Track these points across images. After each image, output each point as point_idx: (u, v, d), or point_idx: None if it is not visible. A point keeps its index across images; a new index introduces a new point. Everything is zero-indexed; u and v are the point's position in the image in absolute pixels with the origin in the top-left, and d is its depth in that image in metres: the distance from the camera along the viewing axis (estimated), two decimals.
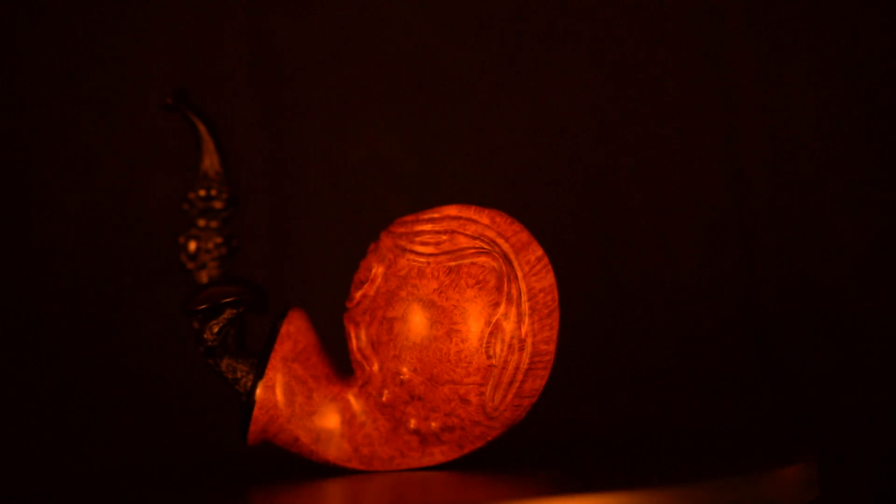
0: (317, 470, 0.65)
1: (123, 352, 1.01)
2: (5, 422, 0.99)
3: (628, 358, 1.04)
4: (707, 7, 1.05)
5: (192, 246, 0.71)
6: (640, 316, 1.04)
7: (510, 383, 0.63)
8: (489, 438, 0.64)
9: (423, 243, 0.64)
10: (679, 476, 0.57)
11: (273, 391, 0.64)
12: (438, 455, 0.64)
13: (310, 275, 1.04)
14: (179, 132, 1.03)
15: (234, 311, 0.65)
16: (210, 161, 0.73)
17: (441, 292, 0.63)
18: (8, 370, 1.00)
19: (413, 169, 1.05)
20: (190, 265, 0.71)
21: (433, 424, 0.63)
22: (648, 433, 0.86)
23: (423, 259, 0.64)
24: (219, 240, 0.69)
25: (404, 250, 0.64)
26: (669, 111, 1.06)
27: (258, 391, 0.64)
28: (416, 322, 0.63)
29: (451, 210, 0.64)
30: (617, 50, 1.06)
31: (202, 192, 0.72)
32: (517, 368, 0.63)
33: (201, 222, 0.72)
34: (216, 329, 0.64)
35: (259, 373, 0.64)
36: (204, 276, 0.71)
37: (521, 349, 0.64)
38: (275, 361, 0.64)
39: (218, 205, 0.73)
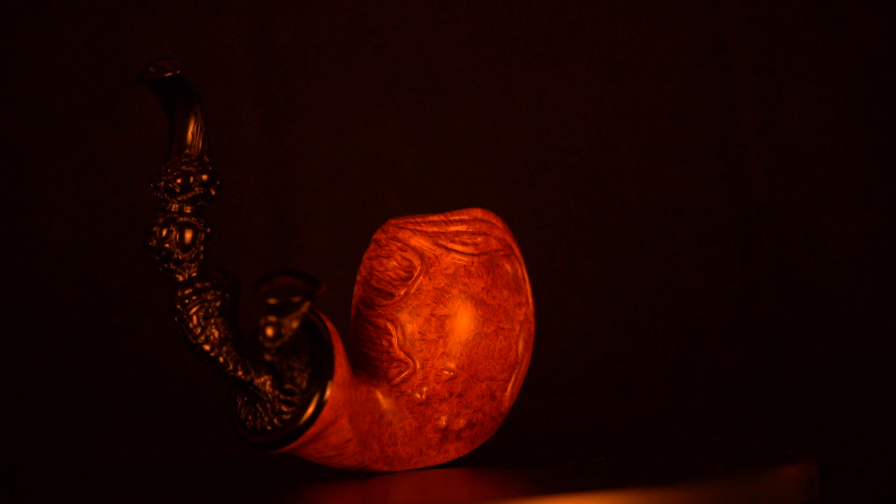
0: (316, 471, 0.65)
1: (123, 352, 1.01)
2: (5, 422, 0.99)
3: (628, 358, 1.04)
4: (707, 7, 1.05)
5: (189, 235, 0.62)
6: (640, 316, 1.04)
7: (520, 381, 0.66)
8: (492, 434, 0.65)
9: (463, 243, 0.65)
10: (679, 476, 0.57)
11: (343, 390, 0.60)
12: (452, 452, 0.64)
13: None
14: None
15: (308, 305, 0.58)
16: (198, 134, 0.64)
17: (488, 291, 0.65)
18: (8, 370, 1.00)
19: (413, 169, 1.05)
20: (183, 256, 0.62)
21: (462, 422, 0.64)
22: (648, 433, 0.86)
23: (466, 258, 0.65)
24: (209, 229, 0.62)
25: (447, 249, 0.65)
26: (669, 111, 1.06)
27: (330, 390, 0.59)
28: (469, 319, 0.64)
29: (477, 213, 0.66)
30: (617, 50, 1.06)
31: (204, 177, 0.63)
32: (526, 367, 0.66)
33: (188, 209, 0.62)
34: (295, 325, 0.57)
35: (328, 370, 0.60)
36: (193, 270, 0.62)
37: (531, 349, 0.66)
38: (340, 358, 0.61)
39: (211, 190, 0.63)
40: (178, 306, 0.61)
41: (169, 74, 0.62)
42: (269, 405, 0.60)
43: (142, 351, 1.01)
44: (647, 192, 1.05)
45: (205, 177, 0.62)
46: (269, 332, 0.55)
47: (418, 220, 0.65)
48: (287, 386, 0.60)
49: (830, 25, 1.04)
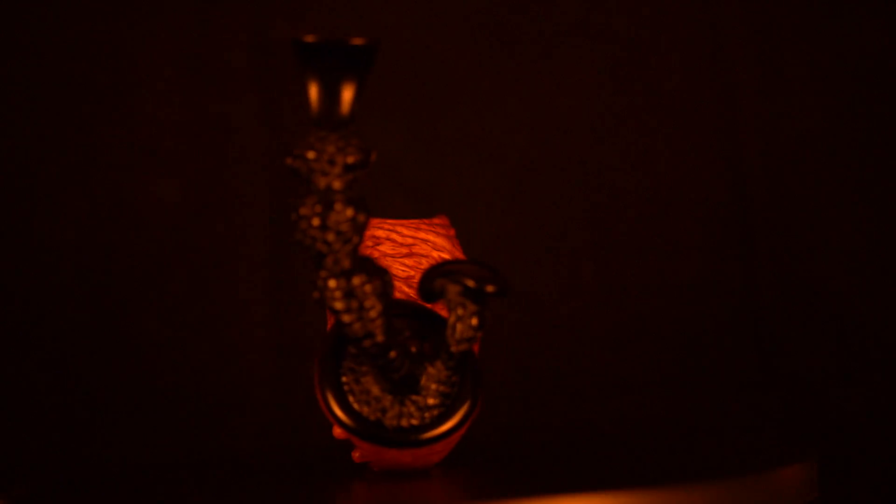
0: (317, 471, 0.65)
1: (123, 352, 1.01)
2: (5, 422, 0.99)
3: (628, 358, 1.04)
4: (707, 7, 1.05)
5: (349, 213, 0.53)
6: (640, 316, 1.04)
7: None
8: None
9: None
10: (679, 476, 0.57)
11: None
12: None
13: (310, 275, 1.04)
14: (179, 132, 1.04)
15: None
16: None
17: None
18: (8, 370, 1.00)
19: (413, 169, 1.05)
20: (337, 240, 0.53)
21: None
22: (648, 433, 0.86)
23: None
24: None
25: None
26: (669, 111, 1.06)
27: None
28: None
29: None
30: (617, 50, 1.06)
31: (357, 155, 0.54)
32: None
33: (337, 184, 0.54)
34: (487, 315, 0.56)
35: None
36: (347, 258, 0.54)
37: None
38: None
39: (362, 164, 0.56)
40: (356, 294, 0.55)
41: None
42: (419, 400, 0.59)
43: (142, 351, 1.01)
44: (647, 191, 1.05)
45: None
46: (475, 321, 0.55)
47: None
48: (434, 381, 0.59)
49: (830, 25, 1.04)
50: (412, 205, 1.03)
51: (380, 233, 0.65)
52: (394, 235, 0.66)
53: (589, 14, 1.06)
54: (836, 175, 1.04)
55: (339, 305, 0.54)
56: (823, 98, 1.04)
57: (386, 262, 0.64)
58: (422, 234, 0.65)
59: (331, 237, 0.53)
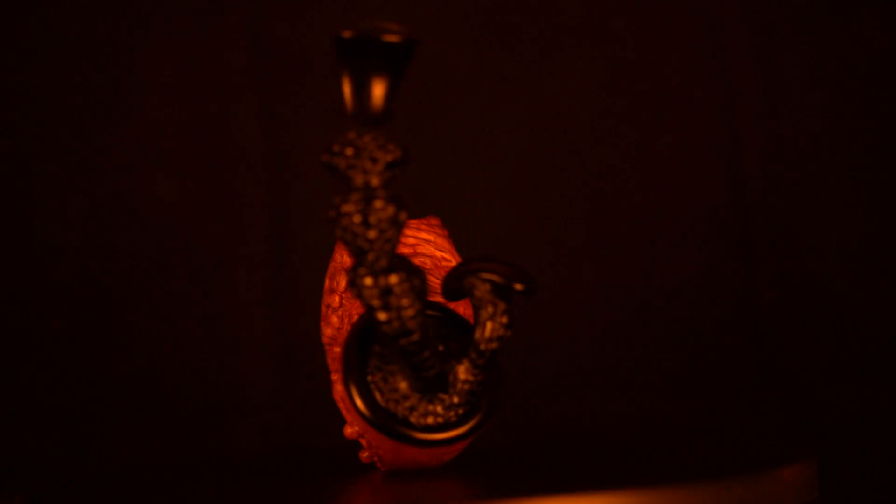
0: (316, 470, 0.65)
1: (123, 352, 1.01)
2: (5, 422, 0.99)
3: (628, 358, 1.04)
4: (707, 7, 1.05)
5: (391, 211, 0.53)
6: (640, 316, 1.04)
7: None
8: None
9: None
10: (679, 476, 0.57)
11: None
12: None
13: (310, 274, 1.04)
14: (179, 132, 1.04)
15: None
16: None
17: None
18: (8, 370, 1.00)
19: (413, 168, 1.05)
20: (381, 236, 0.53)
21: None
22: (648, 433, 0.86)
23: None
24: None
25: None
26: (669, 111, 1.06)
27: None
28: None
29: None
30: (617, 50, 1.06)
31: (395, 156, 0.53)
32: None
33: (377, 181, 0.54)
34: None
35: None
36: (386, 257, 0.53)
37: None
38: None
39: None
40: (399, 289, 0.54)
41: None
42: (445, 398, 0.59)
43: (141, 351, 1.01)
44: (646, 191, 1.05)
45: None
46: (506, 320, 0.55)
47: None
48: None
49: (830, 25, 1.04)
50: (412, 205, 1.03)
51: None
52: None
53: (589, 14, 1.06)
54: (837, 175, 1.04)
55: (376, 303, 0.54)
56: (823, 98, 1.04)
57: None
58: (423, 235, 0.65)
59: (372, 234, 0.53)
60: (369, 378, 0.59)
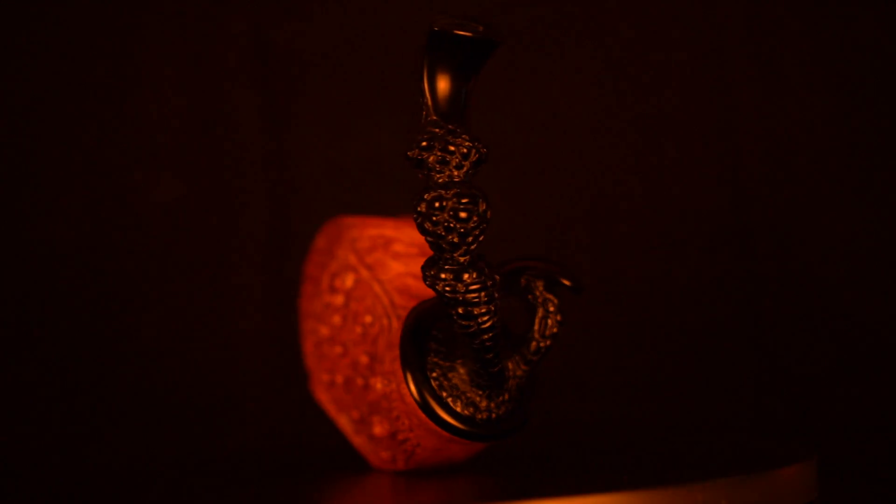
0: (316, 470, 0.65)
1: (123, 352, 1.01)
2: (5, 422, 0.99)
3: (627, 358, 1.04)
4: (707, 8, 1.05)
5: (482, 207, 0.52)
6: (640, 315, 1.04)
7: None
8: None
9: None
10: (679, 476, 0.57)
11: None
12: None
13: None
14: (179, 132, 1.04)
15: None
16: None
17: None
18: (8, 370, 1.00)
19: (413, 169, 1.05)
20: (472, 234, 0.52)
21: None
22: (648, 433, 0.86)
23: None
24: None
25: None
26: (669, 111, 1.06)
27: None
28: None
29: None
30: (617, 50, 1.06)
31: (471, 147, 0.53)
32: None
33: (462, 178, 0.53)
34: None
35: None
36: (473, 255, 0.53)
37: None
38: None
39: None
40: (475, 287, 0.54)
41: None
42: (499, 394, 0.59)
43: (141, 351, 1.01)
44: (646, 191, 1.05)
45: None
46: (560, 317, 0.57)
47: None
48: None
49: (830, 25, 1.04)
50: (411, 204, 1.03)
51: (388, 232, 0.65)
52: (401, 235, 0.66)
53: (589, 14, 1.06)
54: (837, 175, 1.04)
55: (460, 300, 0.54)
56: (823, 98, 1.04)
57: (402, 261, 0.64)
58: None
59: (466, 230, 0.53)
60: (433, 375, 0.59)
